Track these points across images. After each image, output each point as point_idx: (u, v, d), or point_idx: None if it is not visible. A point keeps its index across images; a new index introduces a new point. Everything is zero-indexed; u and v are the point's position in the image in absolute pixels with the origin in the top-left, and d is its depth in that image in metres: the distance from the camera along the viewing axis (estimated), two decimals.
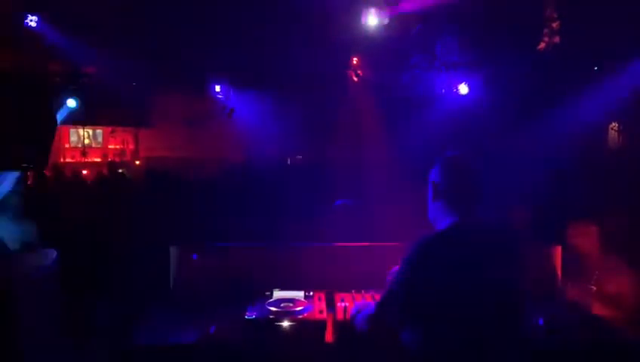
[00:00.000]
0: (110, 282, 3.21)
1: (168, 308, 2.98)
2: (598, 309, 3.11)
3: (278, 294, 2.99)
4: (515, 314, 1.82)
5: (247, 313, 2.72)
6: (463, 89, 8.98)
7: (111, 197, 5.58)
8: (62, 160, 11.41)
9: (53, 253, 2.78)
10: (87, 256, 3.39)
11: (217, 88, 10.41)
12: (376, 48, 7.17)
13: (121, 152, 12.53)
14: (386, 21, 6.13)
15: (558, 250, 3.46)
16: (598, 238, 3.44)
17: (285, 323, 2.63)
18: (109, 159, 11.69)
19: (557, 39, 6.26)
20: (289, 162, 11.18)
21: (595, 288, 3.29)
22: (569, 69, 7.51)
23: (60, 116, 9.27)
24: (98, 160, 11.98)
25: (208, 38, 7.38)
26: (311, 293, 2.97)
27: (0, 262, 2.63)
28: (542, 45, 6.44)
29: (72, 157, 11.79)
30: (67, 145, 12.02)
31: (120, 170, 9.70)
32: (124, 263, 3.36)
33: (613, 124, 9.12)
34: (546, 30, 6.30)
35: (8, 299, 2.42)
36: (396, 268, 1.89)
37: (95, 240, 3.54)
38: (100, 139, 12.53)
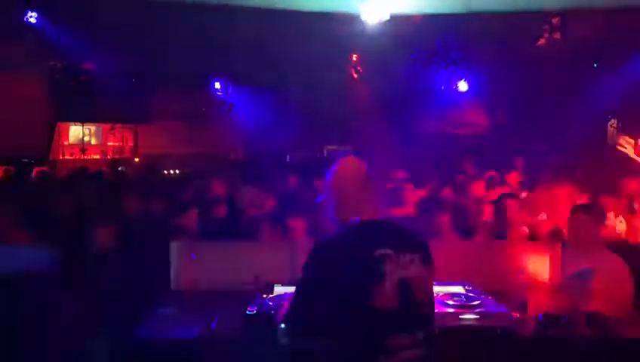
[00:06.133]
0: (112, 277, 3.21)
1: (170, 303, 2.99)
2: (597, 305, 3.12)
3: (278, 289, 3.00)
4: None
5: (247, 308, 2.73)
6: (463, 86, 9.00)
7: (113, 193, 5.58)
8: (61, 157, 11.38)
9: (54, 250, 2.80)
10: (87, 252, 3.40)
11: (217, 85, 10.40)
12: (375, 44, 7.15)
13: (120, 149, 12.51)
14: (385, 17, 6.12)
15: (558, 247, 3.48)
16: (597, 234, 3.46)
17: None
18: (109, 156, 11.67)
19: (557, 35, 6.25)
20: (288, 159, 11.19)
21: (594, 284, 3.31)
22: (568, 66, 7.52)
23: None
24: (97, 157, 11.95)
25: (208, 34, 7.37)
26: None
27: (1, 257, 2.64)
28: (542, 41, 6.44)
29: (71, 155, 11.76)
30: (66, 143, 11.98)
31: (120, 168, 9.70)
32: (126, 258, 3.37)
33: (612, 120, 9.13)
34: (546, 26, 6.30)
35: (10, 293, 2.43)
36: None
37: (98, 235, 3.55)
38: (99, 136, 12.50)
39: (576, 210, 3.44)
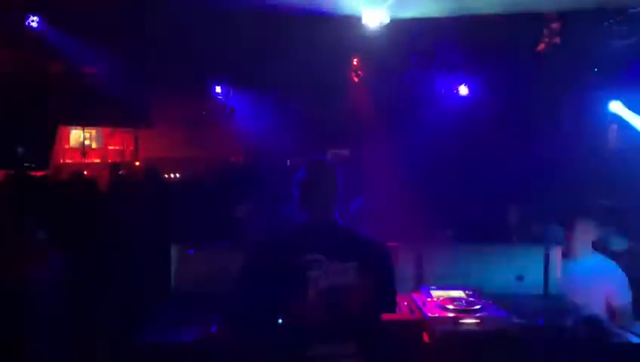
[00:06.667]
0: (112, 281, 3.21)
1: (170, 307, 2.98)
2: (595, 310, 3.12)
3: None
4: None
5: None
6: (463, 90, 9.01)
7: (112, 197, 5.58)
8: (62, 160, 11.39)
9: (56, 256, 2.80)
10: (89, 256, 3.40)
11: (218, 89, 10.42)
12: (376, 48, 7.17)
13: (121, 153, 12.53)
14: (386, 21, 6.14)
15: (557, 250, 3.48)
16: (598, 237, 3.46)
17: None
18: (110, 160, 11.68)
19: (557, 40, 6.24)
20: (288, 163, 11.18)
21: (592, 289, 3.30)
22: (569, 70, 7.52)
23: None
24: (98, 161, 11.96)
25: (208, 38, 7.38)
26: None
27: (7, 264, 2.64)
28: (542, 46, 6.44)
29: (72, 158, 11.77)
30: (67, 146, 12.00)
31: (120, 172, 9.70)
32: (126, 262, 3.37)
33: (614, 125, 9.11)
34: (545, 31, 6.30)
35: (15, 299, 2.43)
36: None
37: (97, 239, 3.55)
38: (100, 140, 12.52)
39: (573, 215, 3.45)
